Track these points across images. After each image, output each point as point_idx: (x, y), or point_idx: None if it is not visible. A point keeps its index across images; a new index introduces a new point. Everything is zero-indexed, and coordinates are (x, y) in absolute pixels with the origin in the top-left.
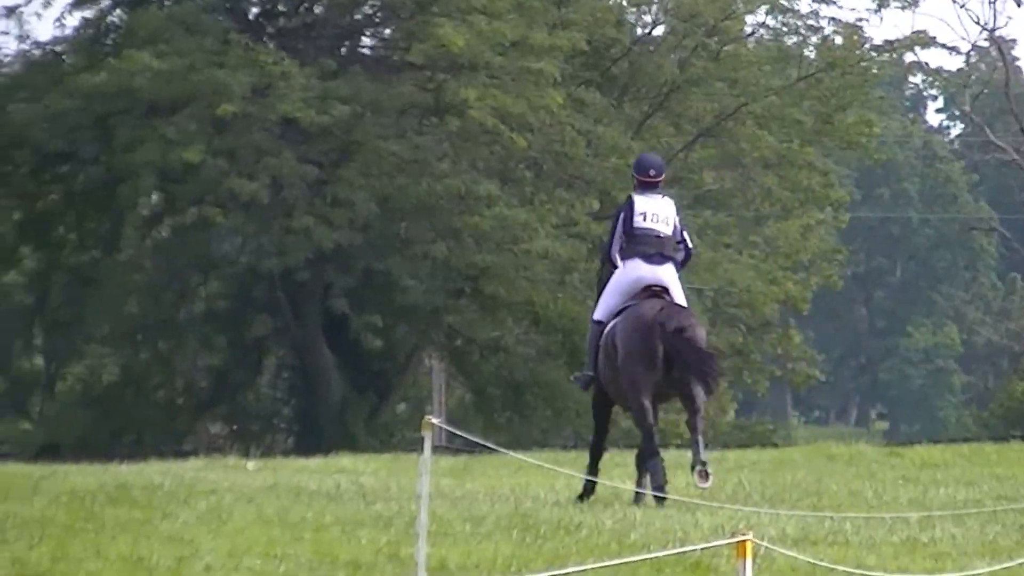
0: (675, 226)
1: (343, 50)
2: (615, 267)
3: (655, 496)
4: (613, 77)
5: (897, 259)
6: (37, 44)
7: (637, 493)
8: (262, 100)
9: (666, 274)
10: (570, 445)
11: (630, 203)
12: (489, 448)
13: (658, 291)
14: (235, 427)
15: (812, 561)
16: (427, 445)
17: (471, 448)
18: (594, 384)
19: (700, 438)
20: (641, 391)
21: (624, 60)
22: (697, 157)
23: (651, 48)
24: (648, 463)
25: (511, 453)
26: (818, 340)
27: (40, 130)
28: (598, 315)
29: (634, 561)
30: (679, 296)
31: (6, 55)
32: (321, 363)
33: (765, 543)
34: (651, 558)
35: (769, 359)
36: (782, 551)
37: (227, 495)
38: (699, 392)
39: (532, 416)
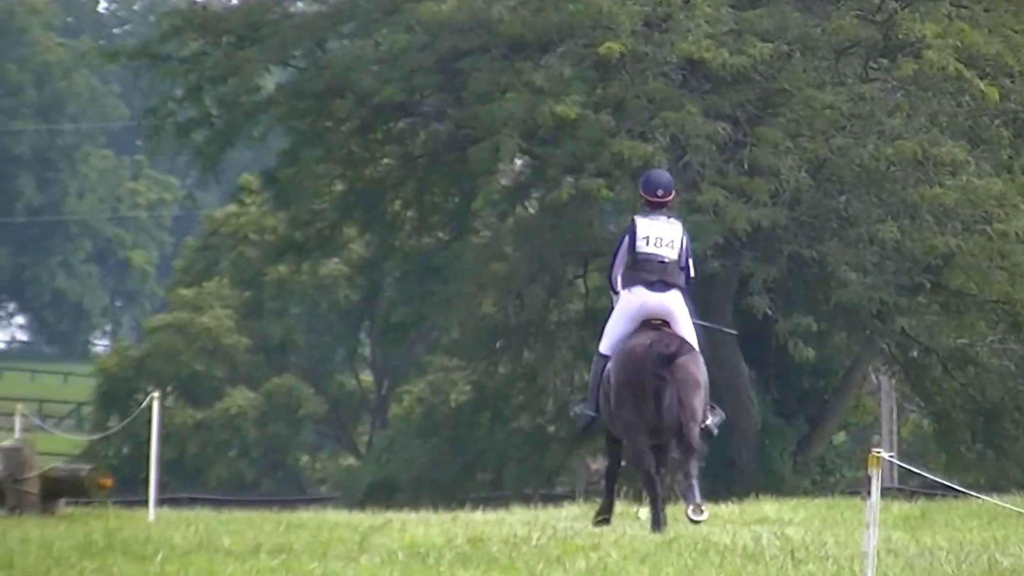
0: (681, 250)
1: None
2: (616, 294)
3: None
4: None
5: None
6: None
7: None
8: (658, 36)
9: (671, 302)
10: None
11: (633, 226)
12: (954, 490)
13: (657, 323)
14: (623, 463)
15: None
16: (874, 486)
17: (930, 490)
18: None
19: (694, 482)
20: (636, 431)
21: None
22: None
23: None
24: (650, 511)
25: (983, 497)
26: None
27: (369, 75)
28: (603, 348)
29: None
30: (683, 326)
31: None
32: (735, 379)
33: None
34: None
35: None
36: None
37: (613, 552)
38: (690, 429)
39: (1011, 449)
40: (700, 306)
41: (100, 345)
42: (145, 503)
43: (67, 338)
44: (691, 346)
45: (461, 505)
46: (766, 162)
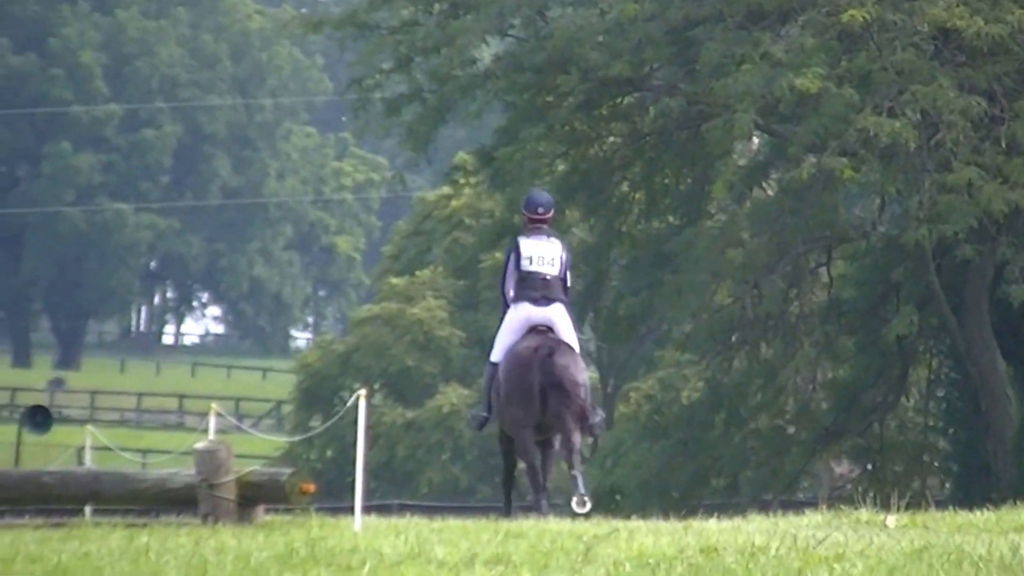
0: (562, 265)
1: None
2: (508, 307)
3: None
4: None
5: None
6: None
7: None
8: (907, 3)
9: (553, 313)
10: None
11: (516, 247)
12: None
13: (542, 330)
14: (869, 466)
15: None
16: None
17: None
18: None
19: (577, 473)
20: (523, 428)
21: None
22: None
23: None
24: (533, 500)
25: None
26: None
27: (595, 47)
28: (494, 357)
29: None
30: (565, 333)
31: None
32: (990, 376)
33: None
34: None
35: None
36: None
37: (859, 562)
38: (572, 427)
39: None
40: (953, 296)
41: (301, 339)
42: (350, 510)
43: (265, 331)
44: (572, 348)
45: (693, 512)
46: None
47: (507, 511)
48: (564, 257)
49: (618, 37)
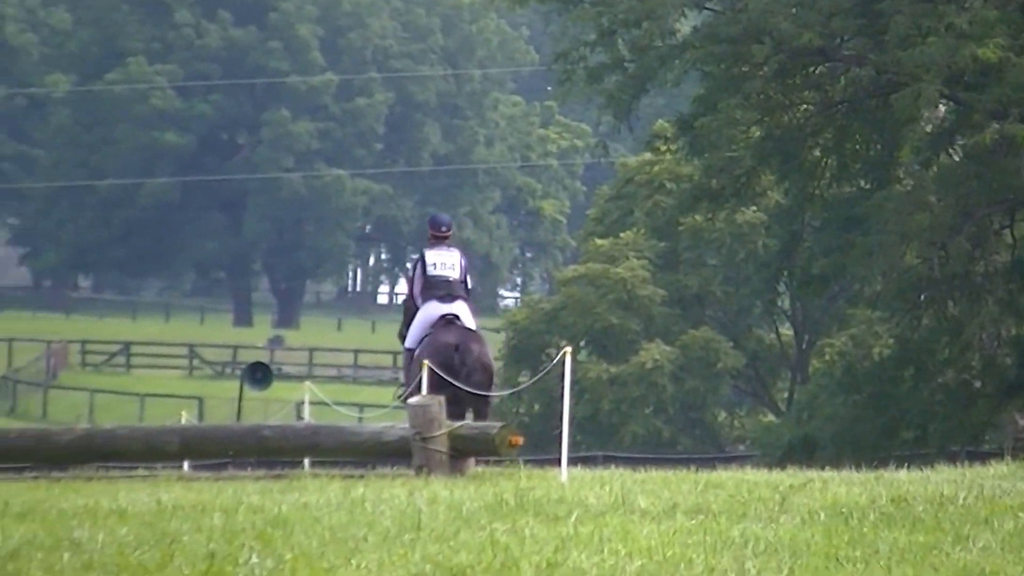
0: (462, 270)
1: None
2: (417, 307)
3: None
4: None
5: None
6: None
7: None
8: None
9: (457, 308)
10: None
11: (422, 257)
12: None
13: (451, 319)
14: None
15: None
16: None
17: None
18: None
19: None
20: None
21: None
22: None
23: None
24: None
25: None
26: None
27: (788, 19)
28: (409, 344)
29: None
30: (469, 322)
31: None
32: None
33: None
34: None
35: None
36: None
37: None
38: (480, 404)
39: None
40: None
41: (510, 298)
42: (557, 462)
43: (475, 291)
44: (480, 335)
45: (884, 463)
46: None
47: None
48: (463, 263)
49: (809, 9)
